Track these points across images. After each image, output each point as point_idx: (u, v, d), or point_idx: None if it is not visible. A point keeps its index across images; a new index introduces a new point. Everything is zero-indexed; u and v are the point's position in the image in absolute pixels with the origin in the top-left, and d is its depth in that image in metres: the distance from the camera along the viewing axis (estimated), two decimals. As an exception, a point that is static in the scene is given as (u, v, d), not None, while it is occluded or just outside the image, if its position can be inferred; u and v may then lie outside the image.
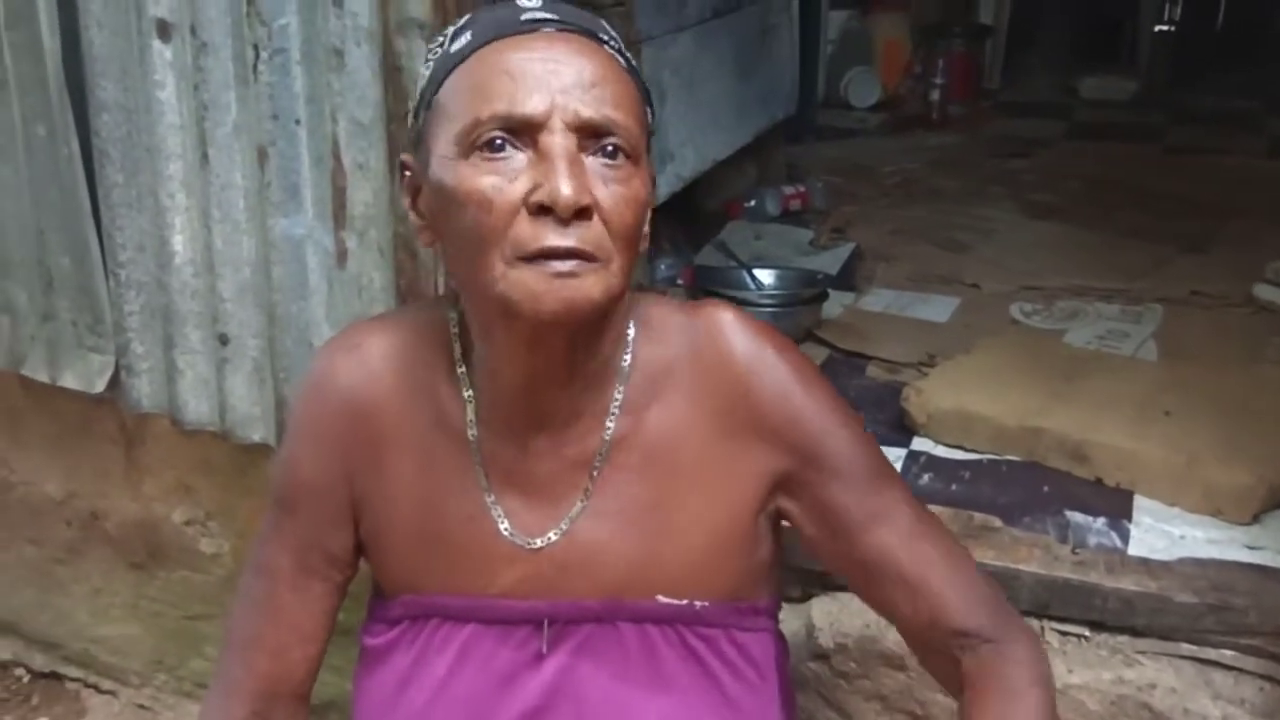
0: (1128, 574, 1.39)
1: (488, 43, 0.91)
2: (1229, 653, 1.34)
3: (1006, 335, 2.05)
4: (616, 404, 1.01)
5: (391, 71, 1.52)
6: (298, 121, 1.57)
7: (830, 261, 2.44)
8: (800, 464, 1.03)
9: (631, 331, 1.02)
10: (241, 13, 1.55)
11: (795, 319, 2.03)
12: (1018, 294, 2.27)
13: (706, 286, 2.10)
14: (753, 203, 2.76)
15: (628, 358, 1.02)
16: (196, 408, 1.78)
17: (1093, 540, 1.46)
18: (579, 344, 0.95)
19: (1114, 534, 1.47)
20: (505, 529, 1.03)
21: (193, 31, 1.58)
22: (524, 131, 0.88)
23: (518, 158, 0.88)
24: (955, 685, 1.03)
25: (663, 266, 2.34)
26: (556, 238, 0.86)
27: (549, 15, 0.92)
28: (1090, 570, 1.40)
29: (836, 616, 1.47)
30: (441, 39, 0.96)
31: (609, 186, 0.89)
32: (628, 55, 0.96)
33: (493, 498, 1.03)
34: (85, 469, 2.06)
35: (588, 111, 0.88)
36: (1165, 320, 2.11)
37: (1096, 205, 2.86)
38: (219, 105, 1.61)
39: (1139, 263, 2.42)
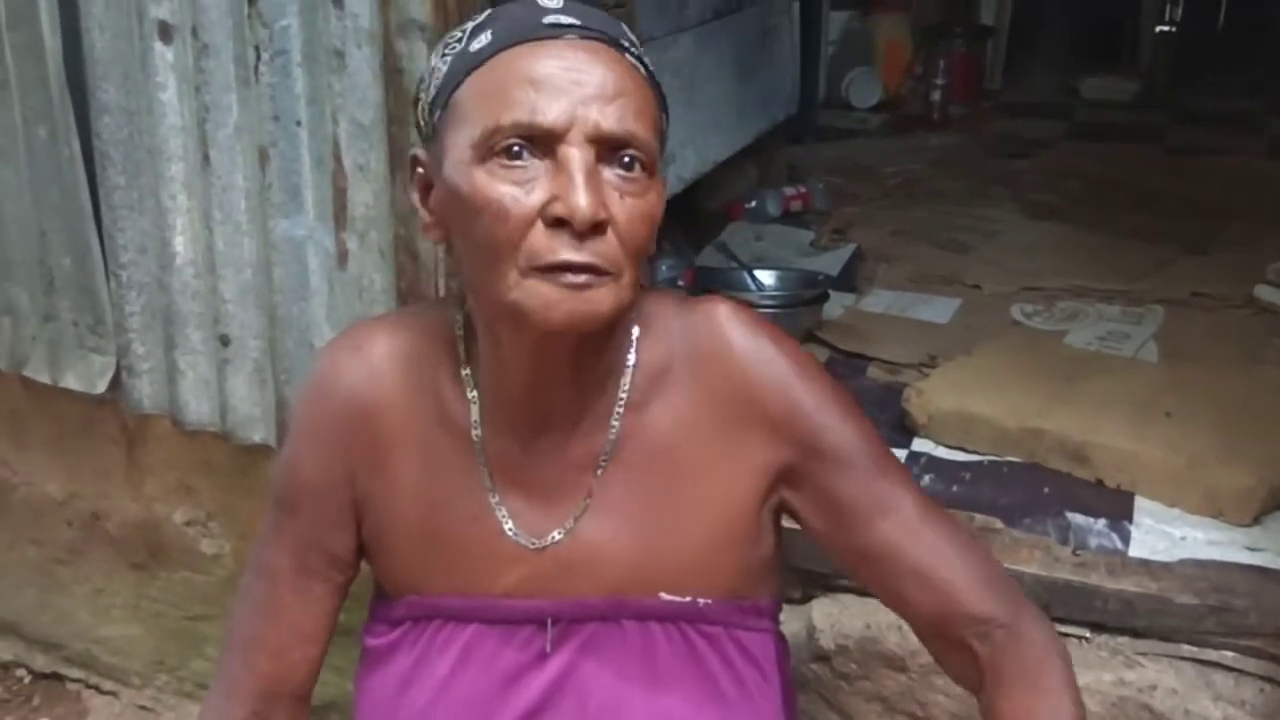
0: (1128, 575, 1.39)
1: (509, 46, 0.90)
2: (1230, 654, 1.34)
3: (1007, 336, 2.05)
4: (620, 404, 1.01)
5: (392, 73, 1.52)
6: (299, 123, 1.57)
7: (831, 262, 2.44)
8: (802, 456, 1.02)
9: (635, 331, 1.02)
10: (243, 14, 1.55)
11: (796, 320, 2.03)
12: (1018, 295, 2.27)
13: (707, 288, 2.10)
14: (754, 204, 2.76)
15: (631, 356, 1.02)
16: (197, 408, 1.78)
17: (1093, 541, 1.46)
18: (585, 350, 0.95)
19: (1115, 535, 1.47)
20: (509, 529, 1.03)
21: (194, 33, 1.58)
22: (543, 141, 0.87)
23: (535, 166, 0.88)
24: (972, 678, 1.02)
25: (664, 268, 2.34)
26: (571, 252, 0.86)
27: (572, 20, 0.91)
28: (1091, 572, 1.40)
29: (837, 618, 1.47)
30: (460, 34, 0.94)
31: (624, 200, 0.89)
32: (647, 61, 0.95)
33: (497, 498, 1.03)
34: (86, 469, 2.06)
35: (607, 124, 0.87)
36: (1166, 321, 2.11)
37: (1097, 206, 2.86)
38: (220, 107, 1.61)
39: (1140, 264, 2.42)
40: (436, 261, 1.57)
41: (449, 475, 1.04)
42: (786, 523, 1.11)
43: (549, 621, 1.03)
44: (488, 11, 0.94)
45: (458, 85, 0.91)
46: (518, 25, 0.91)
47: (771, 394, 1.02)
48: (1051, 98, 4.17)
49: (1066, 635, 1.39)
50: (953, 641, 1.02)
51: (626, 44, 0.93)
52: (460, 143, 0.90)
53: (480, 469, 1.03)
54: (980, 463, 1.65)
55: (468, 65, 0.91)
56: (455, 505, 1.04)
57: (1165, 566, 1.40)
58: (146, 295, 1.76)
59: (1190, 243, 2.55)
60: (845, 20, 4.01)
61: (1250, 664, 1.34)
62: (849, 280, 2.37)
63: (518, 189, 0.87)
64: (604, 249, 0.87)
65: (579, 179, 0.86)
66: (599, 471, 1.02)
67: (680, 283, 2.30)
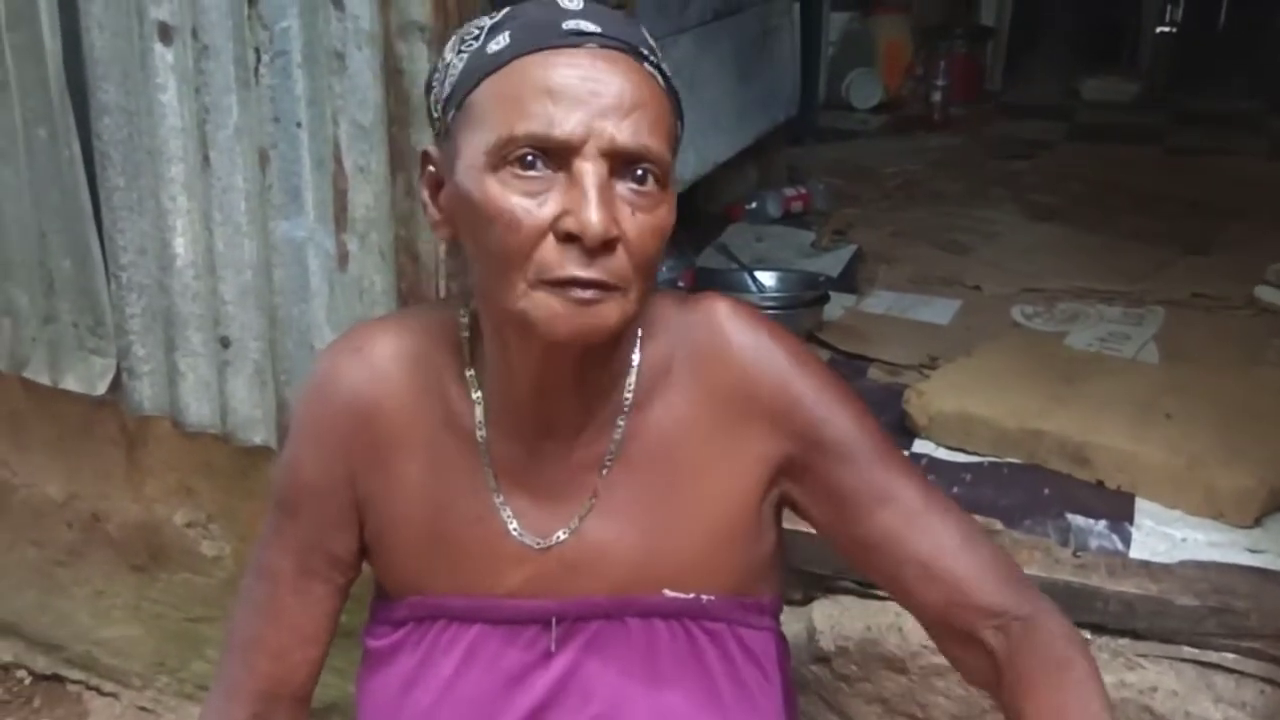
0: (1129, 577, 1.39)
1: (527, 53, 0.89)
2: (1230, 655, 1.34)
3: (1008, 337, 2.05)
4: (626, 405, 1.02)
5: (393, 74, 1.52)
6: (299, 124, 1.57)
7: (831, 263, 2.44)
8: (802, 448, 1.02)
9: (639, 334, 1.02)
10: (243, 16, 1.55)
11: (796, 321, 2.03)
12: (1019, 296, 2.27)
13: (708, 289, 2.10)
14: (754, 205, 2.76)
15: (635, 357, 1.02)
16: (198, 410, 1.78)
17: (1094, 543, 1.46)
18: (590, 358, 0.95)
19: (1115, 537, 1.47)
20: (514, 529, 1.03)
21: (194, 34, 1.58)
22: (557, 153, 0.87)
23: (548, 178, 0.87)
24: (987, 675, 0.99)
25: (664, 269, 2.34)
26: (580, 268, 0.86)
27: (592, 28, 0.89)
28: (1091, 573, 1.40)
29: (838, 619, 1.47)
30: (477, 31, 0.93)
31: (635, 215, 0.88)
32: (664, 69, 0.94)
33: (501, 498, 1.03)
34: (87, 471, 2.06)
35: (623, 138, 0.87)
36: (1166, 322, 2.11)
37: (1098, 207, 2.86)
38: (220, 108, 1.61)
39: (1140, 265, 2.42)
40: (437, 263, 1.57)
41: (453, 476, 1.04)
42: (787, 523, 1.11)
43: (553, 621, 1.03)
44: (506, 9, 0.93)
45: (474, 87, 0.90)
46: (537, 30, 0.89)
47: (771, 387, 1.02)
48: (1052, 99, 4.18)
49: (1067, 637, 1.39)
50: (963, 636, 1.00)
51: (646, 52, 0.92)
52: (474, 147, 0.89)
53: (485, 470, 1.03)
54: (980, 464, 1.65)
55: (485, 68, 0.90)
56: (460, 506, 1.04)
57: (1166, 568, 1.40)
58: (147, 297, 1.76)
59: (1190, 244, 2.55)
60: (845, 21, 4.02)
61: (1251, 665, 1.34)
62: (849, 281, 2.37)
63: (530, 200, 0.87)
64: (613, 265, 0.87)
65: (592, 195, 0.85)
66: (604, 472, 1.02)
67: (680, 284, 2.30)
